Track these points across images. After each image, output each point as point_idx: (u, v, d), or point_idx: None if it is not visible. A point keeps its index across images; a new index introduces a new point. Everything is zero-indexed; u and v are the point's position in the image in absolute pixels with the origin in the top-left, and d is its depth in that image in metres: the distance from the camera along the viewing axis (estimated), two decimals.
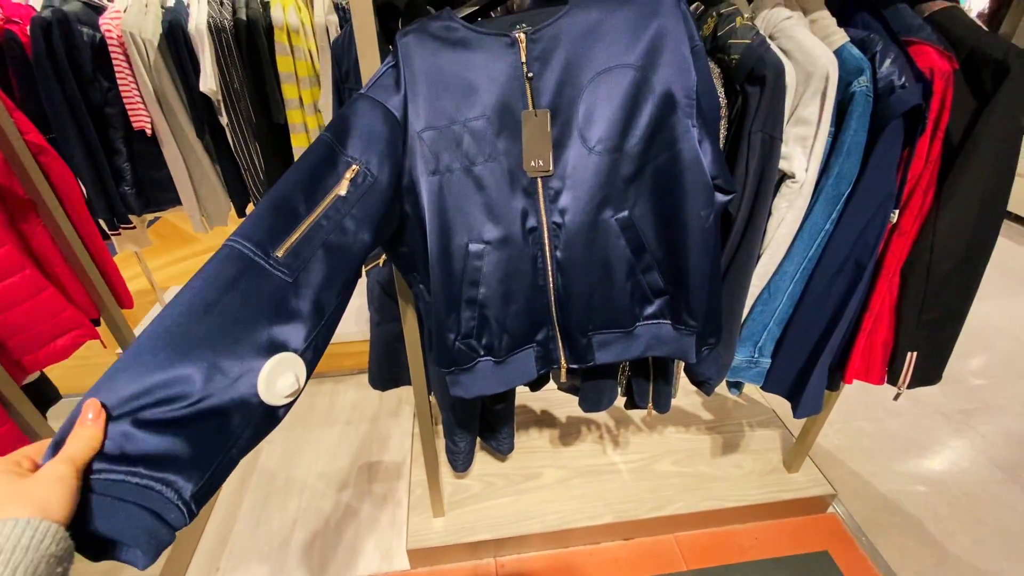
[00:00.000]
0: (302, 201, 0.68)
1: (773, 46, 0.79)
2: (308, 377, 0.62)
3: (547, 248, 0.83)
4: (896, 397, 1.09)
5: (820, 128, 0.81)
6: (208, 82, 1.50)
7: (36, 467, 0.43)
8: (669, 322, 0.87)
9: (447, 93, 0.75)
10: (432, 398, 1.28)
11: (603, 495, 1.40)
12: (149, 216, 1.80)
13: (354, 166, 0.72)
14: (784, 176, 0.85)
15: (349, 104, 0.76)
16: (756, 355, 1.03)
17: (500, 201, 0.79)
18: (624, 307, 0.86)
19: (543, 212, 0.81)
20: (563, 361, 0.92)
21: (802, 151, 0.84)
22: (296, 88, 1.57)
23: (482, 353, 0.89)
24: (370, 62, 0.76)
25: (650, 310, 0.86)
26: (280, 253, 0.63)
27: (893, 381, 1.06)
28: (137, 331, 2.09)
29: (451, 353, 0.88)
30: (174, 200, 1.70)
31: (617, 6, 0.74)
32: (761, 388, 1.07)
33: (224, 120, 1.60)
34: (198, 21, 1.44)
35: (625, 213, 0.80)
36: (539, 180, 0.80)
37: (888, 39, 0.83)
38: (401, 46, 0.75)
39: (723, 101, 0.81)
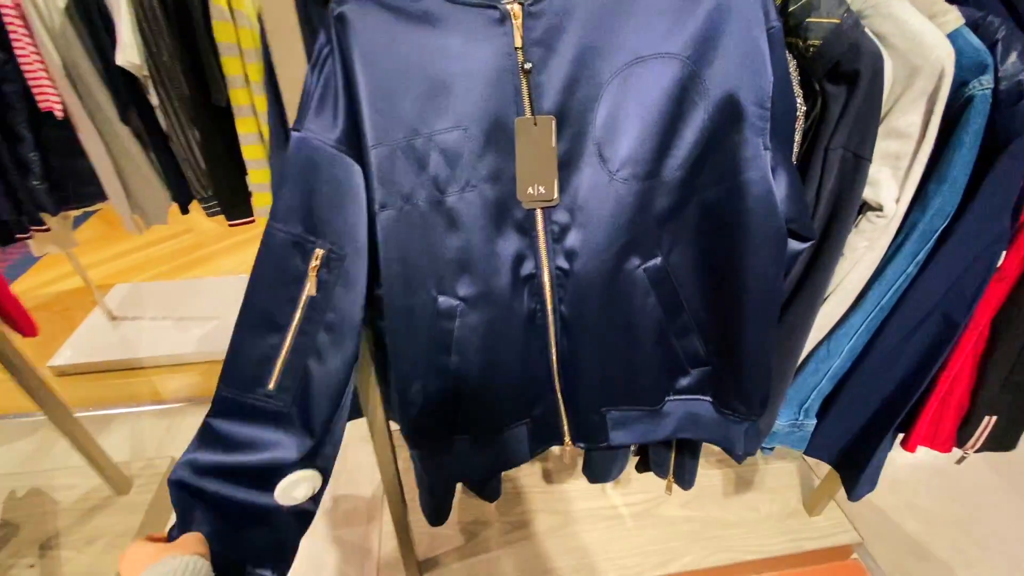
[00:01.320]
0: (273, 322, 0.58)
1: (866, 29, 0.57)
2: (327, 473, 0.64)
3: (548, 302, 0.62)
4: (960, 460, 0.91)
5: (923, 145, 0.60)
6: (128, 54, 1.23)
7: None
8: (709, 399, 0.66)
9: (406, 92, 0.52)
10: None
11: (603, 547, 1.23)
12: (75, 212, 1.54)
13: (316, 250, 0.57)
14: (865, 207, 0.64)
15: (287, 157, 0.55)
16: (801, 418, 0.83)
17: (481, 244, 0.58)
18: (650, 379, 0.65)
19: (544, 254, 0.60)
20: (567, 439, 0.72)
21: (892, 174, 0.62)
22: (240, 62, 1.30)
23: (458, 430, 0.69)
24: (287, 50, 0.52)
25: (684, 382, 0.66)
26: (271, 386, 0.59)
27: (961, 444, 0.88)
28: (78, 339, 1.82)
29: (415, 428, 0.68)
30: (98, 195, 1.43)
31: None
32: (804, 453, 0.88)
33: (154, 100, 1.33)
34: None
35: (658, 260, 0.58)
36: (539, 212, 0.58)
37: (1012, 24, 0.61)
38: (337, 24, 0.51)
39: (801, 108, 0.59)
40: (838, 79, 0.57)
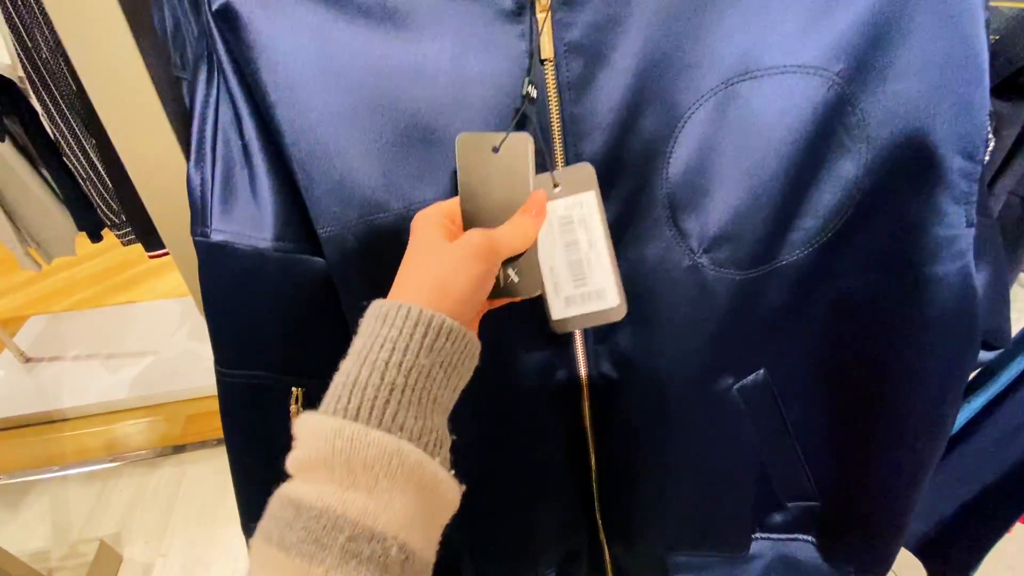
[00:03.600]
0: (266, 470, 0.43)
1: None
2: None
3: (586, 419, 0.43)
4: None
5: None
6: None
7: None
8: (812, 540, 0.48)
9: (359, 142, 0.31)
10: None
11: None
12: None
13: (293, 390, 0.42)
14: None
15: (202, 274, 0.37)
16: None
17: (488, 356, 0.38)
18: (732, 520, 0.47)
19: (581, 357, 0.41)
20: (609, 573, 0.54)
21: None
22: None
23: None
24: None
25: (779, 519, 0.48)
26: None
27: None
28: None
29: None
30: None
31: None
32: None
33: (38, 107, 1.06)
34: None
35: (759, 375, 0.39)
36: None
37: None
38: (223, 28, 0.30)
39: (990, 140, 0.40)
40: (1016, 92, 0.39)
